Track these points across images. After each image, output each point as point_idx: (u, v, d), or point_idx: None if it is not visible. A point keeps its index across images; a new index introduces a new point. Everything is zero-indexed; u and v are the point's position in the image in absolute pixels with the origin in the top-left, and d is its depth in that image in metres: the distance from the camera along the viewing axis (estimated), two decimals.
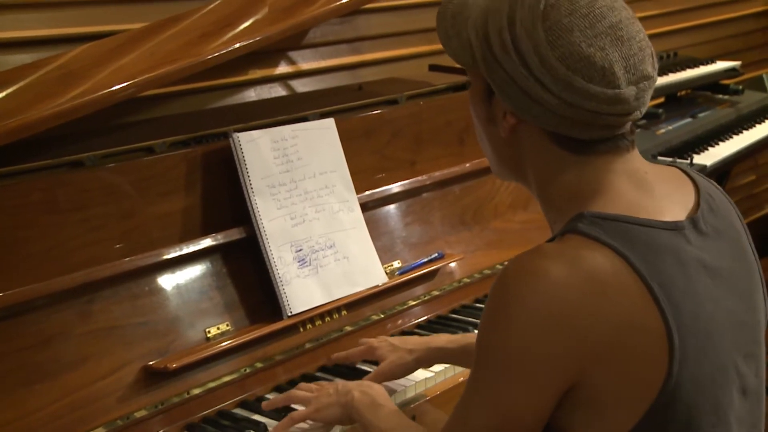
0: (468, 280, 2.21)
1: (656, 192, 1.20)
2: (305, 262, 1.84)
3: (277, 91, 2.42)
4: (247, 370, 1.76)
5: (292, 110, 2.11)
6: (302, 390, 1.62)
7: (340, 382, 1.58)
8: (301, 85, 2.48)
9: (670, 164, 1.33)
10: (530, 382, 1.11)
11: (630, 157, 1.21)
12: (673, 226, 1.16)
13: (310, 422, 1.59)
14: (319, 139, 1.94)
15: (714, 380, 1.14)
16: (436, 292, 2.13)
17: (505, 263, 2.27)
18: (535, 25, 1.13)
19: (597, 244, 1.10)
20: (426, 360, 1.71)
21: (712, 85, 3.57)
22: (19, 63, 1.96)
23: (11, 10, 2.01)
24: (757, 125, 3.45)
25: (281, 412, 1.65)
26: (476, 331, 1.95)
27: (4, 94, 1.78)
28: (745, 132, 3.34)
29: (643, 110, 1.18)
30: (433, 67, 2.65)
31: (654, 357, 1.10)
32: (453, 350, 1.68)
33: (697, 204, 1.22)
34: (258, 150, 1.82)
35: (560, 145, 1.19)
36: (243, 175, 1.79)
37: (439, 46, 2.93)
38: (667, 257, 1.12)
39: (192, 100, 2.26)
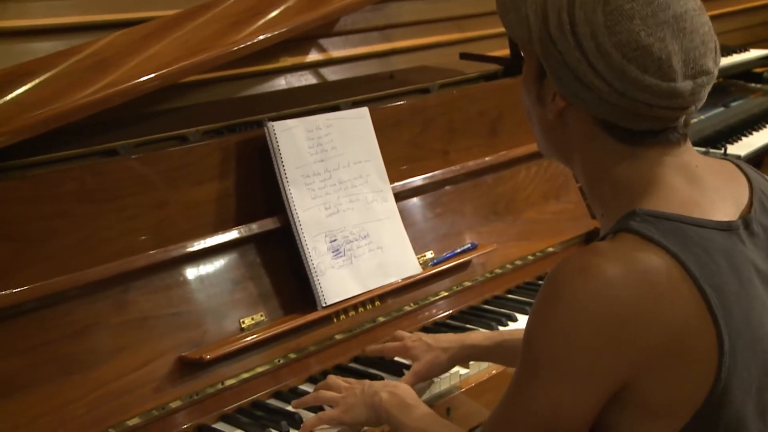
0: (500, 271, 2.19)
1: (708, 187, 1.17)
2: (339, 253, 1.82)
3: (308, 78, 2.40)
4: (281, 361, 1.75)
5: (323, 99, 2.09)
6: (331, 388, 1.60)
7: (366, 383, 1.56)
8: (331, 73, 2.46)
9: (721, 157, 1.30)
10: (580, 382, 1.09)
11: (682, 151, 1.18)
12: (727, 227, 1.13)
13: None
14: (353, 129, 1.92)
15: (761, 384, 1.12)
16: (467, 283, 2.11)
17: (537, 254, 2.28)
18: (595, 9, 1.10)
19: (651, 244, 1.08)
20: (460, 358, 1.69)
21: (744, 73, 3.52)
22: (49, 50, 1.95)
23: None
24: None
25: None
26: (510, 326, 1.97)
27: (36, 82, 1.77)
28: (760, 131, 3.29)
29: (699, 105, 1.15)
30: (464, 56, 2.62)
31: (704, 361, 1.08)
32: (488, 347, 1.66)
33: (750, 202, 1.19)
34: (293, 139, 1.80)
35: (609, 132, 1.16)
36: (278, 165, 1.78)
37: (470, 34, 2.91)
38: (720, 259, 1.10)
39: (222, 88, 2.24)
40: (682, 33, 1.10)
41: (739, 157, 2.87)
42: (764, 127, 3.22)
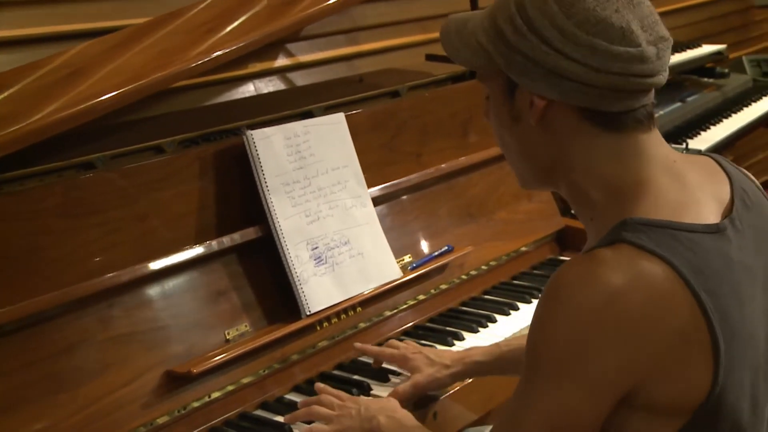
0: (475, 273, 2.20)
1: (693, 185, 1.19)
2: (321, 260, 1.82)
3: (277, 84, 2.39)
4: (266, 371, 1.74)
5: (295, 104, 2.09)
6: (324, 404, 1.59)
7: (363, 404, 1.55)
8: (299, 78, 2.44)
9: (703, 153, 1.32)
10: (586, 389, 1.10)
11: (655, 138, 1.20)
12: (715, 229, 1.15)
13: None
14: (330, 135, 1.92)
15: (753, 380, 1.15)
16: (444, 286, 2.12)
17: (511, 254, 2.30)
18: (545, 2, 1.14)
19: (646, 254, 1.09)
20: (462, 375, 1.70)
21: (697, 69, 3.59)
22: (15, 63, 1.91)
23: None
24: (745, 108, 3.48)
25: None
26: (489, 327, 1.98)
27: (5, 95, 1.74)
28: (733, 115, 3.36)
29: (665, 75, 1.18)
30: (430, 57, 2.63)
31: (701, 365, 1.10)
32: (489, 362, 1.67)
33: (732, 200, 1.21)
34: (271, 147, 1.79)
35: (590, 120, 1.17)
36: (258, 174, 1.77)
37: (435, 35, 2.92)
38: (712, 262, 1.12)
39: (191, 96, 2.22)
40: (631, 4, 1.15)
41: (699, 151, 2.93)
42: (720, 121, 3.29)
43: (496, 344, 1.71)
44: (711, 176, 1.26)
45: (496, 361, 1.65)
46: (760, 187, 1.32)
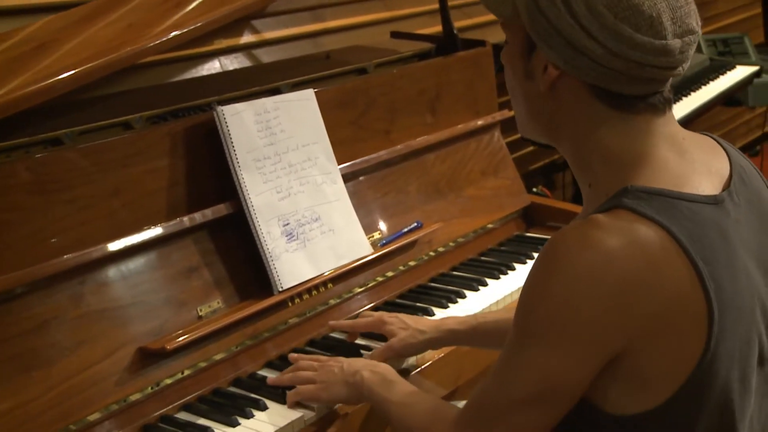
0: (443, 249, 2.21)
1: (695, 160, 1.21)
2: (293, 236, 1.82)
3: (243, 61, 2.36)
4: (238, 348, 1.74)
5: (261, 81, 2.07)
6: (303, 365, 1.61)
7: (344, 361, 1.57)
8: (265, 55, 2.42)
9: (701, 133, 1.33)
10: (577, 351, 1.11)
11: (668, 120, 1.21)
12: (713, 200, 1.17)
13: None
14: (300, 111, 1.91)
15: (743, 352, 1.17)
16: (412, 263, 2.13)
17: (478, 230, 2.31)
18: None
19: (645, 220, 1.11)
20: (437, 342, 1.71)
21: None
22: None
23: None
24: (702, 87, 3.53)
25: (278, 389, 1.63)
26: (459, 303, 1.99)
27: None
28: (692, 94, 3.41)
29: (686, 66, 1.18)
30: (395, 34, 2.63)
31: (694, 332, 1.11)
32: (464, 331, 1.67)
33: (731, 175, 1.23)
34: (242, 123, 1.78)
35: (601, 99, 1.18)
36: (228, 150, 1.75)
37: (399, 12, 2.91)
38: (710, 232, 1.14)
39: (158, 72, 2.18)
40: None
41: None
42: (680, 99, 3.33)
43: (473, 315, 1.72)
44: (712, 152, 1.27)
45: (471, 332, 1.66)
46: (756, 167, 1.34)
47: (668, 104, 1.21)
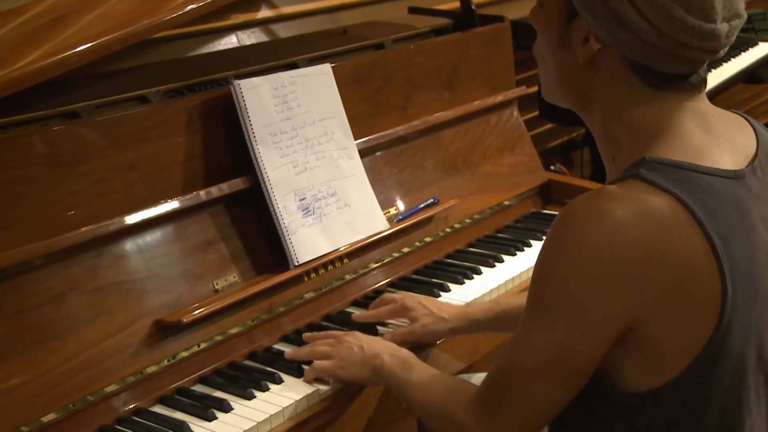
0: (459, 226, 2.20)
1: (720, 134, 1.19)
2: (309, 211, 1.82)
3: (260, 36, 2.35)
4: (254, 322, 1.74)
5: (278, 56, 2.07)
6: (319, 342, 1.61)
7: (364, 341, 1.56)
8: (282, 29, 2.41)
9: (732, 111, 1.31)
10: (590, 322, 1.11)
11: (701, 97, 1.20)
12: (733, 175, 1.15)
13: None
14: (317, 86, 1.90)
15: (759, 330, 1.16)
16: (428, 239, 2.12)
17: (494, 207, 2.31)
18: None
19: (659, 190, 1.10)
20: (459, 331, 1.70)
21: None
22: None
23: None
24: (724, 63, 3.49)
25: (293, 363, 1.64)
26: (474, 279, 1.99)
27: None
28: (713, 71, 3.37)
29: (726, 50, 1.17)
30: (413, 9, 2.61)
31: (707, 306, 1.11)
32: (487, 320, 1.67)
33: (756, 153, 1.22)
34: (259, 97, 1.78)
35: (638, 75, 1.16)
36: (245, 124, 1.75)
37: None
38: (727, 207, 1.12)
39: (175, 47, 2.18)
40: None
41: None
42: (717, 67, 3.29)
43: (496, 302, 1.71)
44: (739, 128, 1.26)
45: (495, 319, 1.66)
46: None
47: (704, 83, 1.20)
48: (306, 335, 1.71)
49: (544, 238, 1.18)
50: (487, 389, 1.25)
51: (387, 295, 1.80)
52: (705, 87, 1.21)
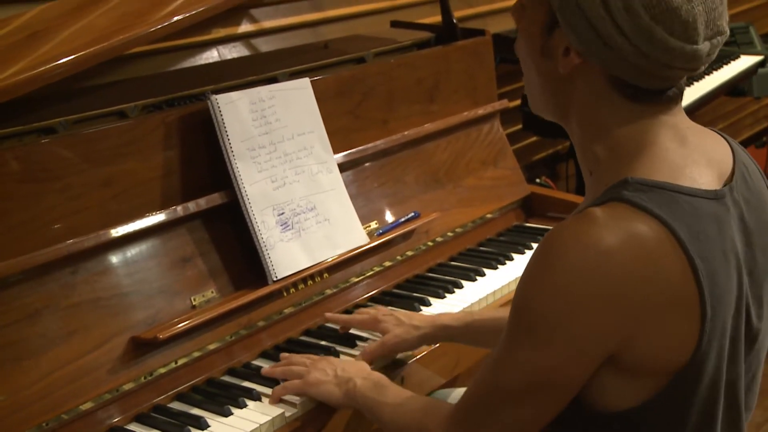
0: (441, 239, 2.20)
1: (694, 148, 1.19)
2: (288, 226, 1.81)
3: (241, 50, 2.35)
4: (232, 337, 1.73)
5: (259, 71, 2.06)
6: (295, 360, 1.61)
7: (338, 365, 1.56)
8: (264, 44, 2.41)
9: (710, 128, 1.31)
10: (574, 346, 1.10)
11: (677, 110, 1.20)
12: (714, 195, 1.15)
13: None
14: (296, 100, 1.90)
15: (734, 348, 1.16)
16: (410, 252, 2.12)
17: (477, 221, 2.30)
18: None
19: (644, 213, 1.09)
20: (431, 338, 1.70)
21: None
22: None
23: None
24: (706, 76, 3.50)
25: (271, 379, 1.63)
26: (456, 293, 1.98)
27: None
28: (696, 83, 3.38)
29: (706, 65, 1.17)
30: (395, 23, 2.61)
31: (688, 328, 1.10)
32: (458, 328, 1.66)
33: (733, 171, 1.21)
34: (237, 112, 1.77)
35: (617, 90, 1.16)
36: (223, 139, 1.74)
37: (399, 1, 2.90)
38: (709, 228, 1.12)
39: (156, 61, 2.18)
40: None
41: None
42: (700, 79, 3.30)
43: (469, 312, 1.71)
44: (714, 143, 1.25)
45: (466, 329, 1.65)
46: (760, 169, 1.32)
47: (680, 95, 1.20)
48: (282, 355, 1.70)
49: (528, 260, 1.16)
50: (466, 407, 1.24)
51: (361, 310, 1.80)
52: (682, 99, 1.21)
